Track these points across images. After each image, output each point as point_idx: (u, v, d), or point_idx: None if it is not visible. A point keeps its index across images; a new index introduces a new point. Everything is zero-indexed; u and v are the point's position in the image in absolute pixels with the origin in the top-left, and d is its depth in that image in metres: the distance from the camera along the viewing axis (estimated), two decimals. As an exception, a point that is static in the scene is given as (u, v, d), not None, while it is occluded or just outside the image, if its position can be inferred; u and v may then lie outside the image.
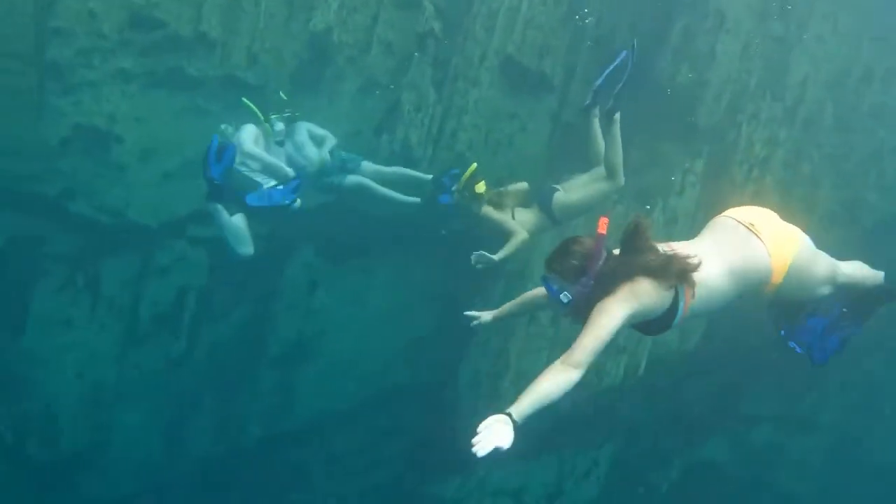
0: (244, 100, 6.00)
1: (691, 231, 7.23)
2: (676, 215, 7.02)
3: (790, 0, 7.03)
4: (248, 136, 5.89)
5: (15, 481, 6.76)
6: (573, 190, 6.08)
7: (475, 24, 7.03)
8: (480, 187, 5.96)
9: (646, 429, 7.78)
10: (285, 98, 6.19)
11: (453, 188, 5.99)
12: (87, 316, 6.73)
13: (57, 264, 6.51)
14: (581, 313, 2.63)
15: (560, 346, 6.95)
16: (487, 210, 5.94)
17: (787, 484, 8.19)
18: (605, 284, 2.55)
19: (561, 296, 2.62)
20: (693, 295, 2.64)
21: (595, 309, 2.53)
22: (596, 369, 7.04)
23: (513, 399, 6.82)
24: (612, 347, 7.11)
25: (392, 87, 7.00)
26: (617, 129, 5.59)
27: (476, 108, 7.10)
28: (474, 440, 2.30)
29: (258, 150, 5.91)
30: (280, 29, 6.50)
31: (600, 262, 2.56)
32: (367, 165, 6.57)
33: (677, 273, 2.56)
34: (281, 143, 6.15)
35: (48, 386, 6.64)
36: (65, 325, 6.61)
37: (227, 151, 5.67)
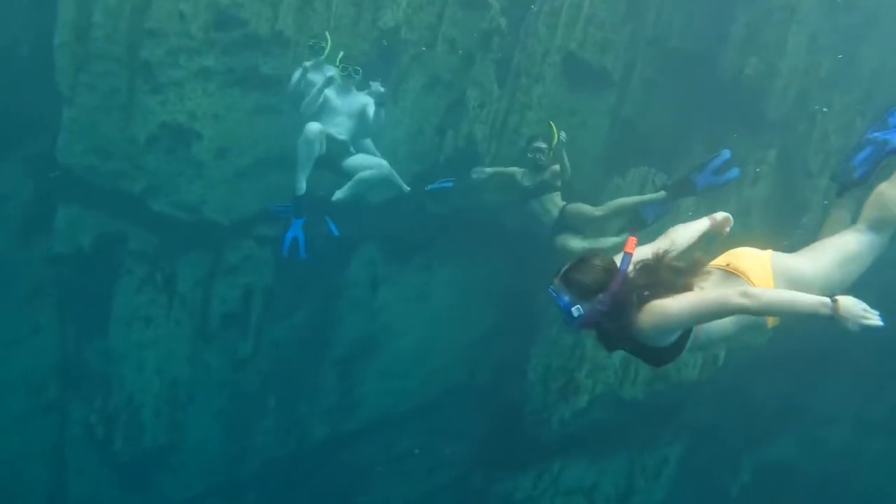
0: (322, 44, 6.00)
1: (765, 221, 7.19)
2: (750, 206, 6.97)
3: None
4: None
5: (105, 479, 6.87)
6: None
7: (538, 21, 7.17)
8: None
9: (714, 427, 7.60)
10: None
11: (547, 150, 6.23)
12: (165, 314, 6.89)
13: (137, 262, 6.70)
14: (589, 329, 2.62)
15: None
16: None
17: (864, 487, 7.87)
18: (622, 306, 2.50)
19: (573, 309, 2.54)
20: (698, 329, 2.63)
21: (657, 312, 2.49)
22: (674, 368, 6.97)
23: (592, 390, 6.74)
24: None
25: (455, 84, 7.14)
26: None
27: (539, 103, 7.19)
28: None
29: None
30: (349, 29, 6.70)
31: (619, 282, 2.48)
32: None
33: None
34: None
35: (131, 382, 6.79)
36: (145, 322, 6.77)
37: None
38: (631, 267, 2.53)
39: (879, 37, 7.27)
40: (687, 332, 2.61)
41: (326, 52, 5.95)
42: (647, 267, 2.58)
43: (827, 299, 2.35)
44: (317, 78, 5.91)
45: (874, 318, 2.32)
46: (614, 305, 2.49)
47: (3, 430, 6.68)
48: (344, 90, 6.01)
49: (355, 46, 6.78)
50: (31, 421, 6.77)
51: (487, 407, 7.91)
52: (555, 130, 6.38)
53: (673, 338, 2.57)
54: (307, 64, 5.87)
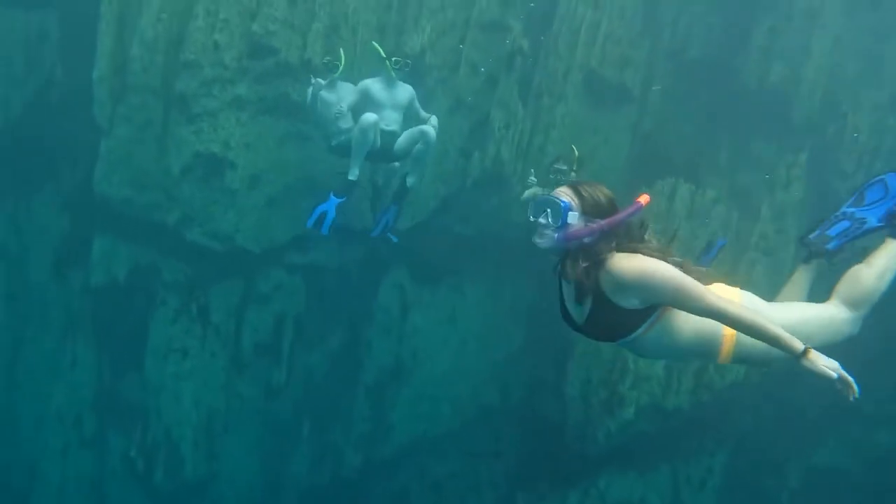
0: (373, 43, 6.05)
1: (800, 223, 7.17)
2: (784, 209, 6.96)
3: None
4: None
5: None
6: None
7: (557, 41, 7.30)
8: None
9: (757, 433, 7.46)
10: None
11: (567, 172, 6.16)
12: (200, 345, 6.88)
13: (172, 294, 6.73)
14: (560, 252, 2.47)
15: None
16: None
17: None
18: (608, 238, 2.42)
19: (570, 213, 2.42)
20: (661, 317, 2.49)
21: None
22: (718, 366, 6.88)
23: (637, 401, 6.62)
24: None
25: (479, 106, 7.25)
26: None
27: (563, 122, 7.28)
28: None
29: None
30: (374, 54, 6.83)
31: (619, 221, 2.40)
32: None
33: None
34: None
35: (169, 414, 6.75)
36: (181, 353, 6.76)
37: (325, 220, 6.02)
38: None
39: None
40: (650, 311, 2.46)
41: (341, 69, 5.93)
42: (645, 230, 2.53)
43: (800, 344, 2.33)
44: (332, 97, 5.92)
45: (844, 381, 2.33)
46: (602, 236, 2.41)
47: (43, 465, 6.64)
48: (390, 83, 5.94)
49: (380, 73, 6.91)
50: (71, 455, 6.73)
51: (523, 426, 7.80)
52: (576, 154, 6.36)
53: (635, 302, 2.42)
54: (320, 81, 5.86)
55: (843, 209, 3.14)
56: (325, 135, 6.08)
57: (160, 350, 6.71)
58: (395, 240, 6.57)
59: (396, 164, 6.43)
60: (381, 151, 5.93)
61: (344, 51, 6.27)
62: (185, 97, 5.96)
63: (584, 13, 7.30)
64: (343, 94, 5.96)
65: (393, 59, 5.87)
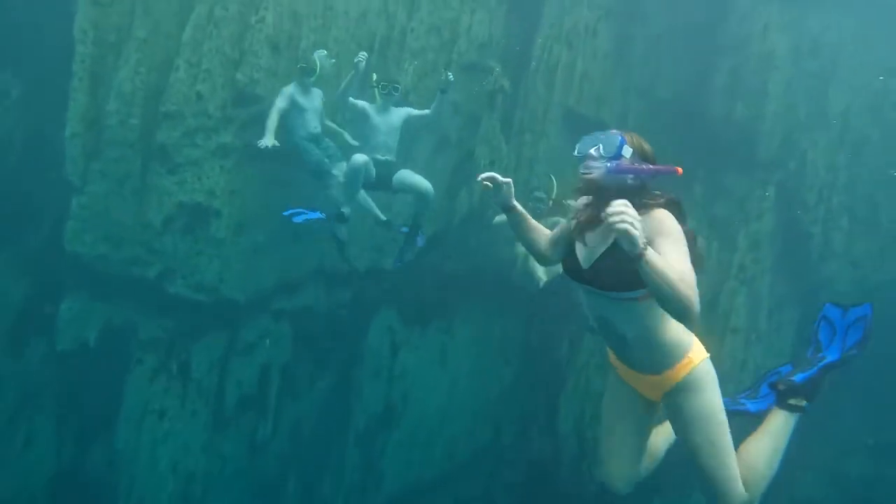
0: (314, 56, 5.90)
1: (773, 253, 7.47)
2: (759, 239, 7.23)
3: (821, 38, 7.61)
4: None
5: None
6: None
7: (536, 80, 7.43)
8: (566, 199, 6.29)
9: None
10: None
11: (546, 200, 6.31)
12: (179, 404, 6.50)
13: (149, 352, 6.35)
14: (603, 187, 2.62)
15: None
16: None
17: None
18: (653, 179, 2.70)
19: (625, 148, 2.66)
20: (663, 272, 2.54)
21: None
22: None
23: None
24: (719, 375, 7.16)
25: (462, 143, 7.28)
26: None
27: (545, 157, 7.38)
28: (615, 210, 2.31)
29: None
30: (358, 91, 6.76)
31: (660, 171, 2.64)
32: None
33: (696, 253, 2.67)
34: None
35: (142, 484, 6.29)
36: (158, 416, 6.36)
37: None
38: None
39: (841, 80, 7.84)
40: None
41: (317, 74, 5.84)
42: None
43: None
44: (307, 102, 5.83)
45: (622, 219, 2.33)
46: (649, 177, 2.67)
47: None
48: (382, 109, 5.90)
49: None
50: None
51: (516, 466, 7.72)
52: (554, 184, 6.52)
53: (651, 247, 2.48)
54: (289, 90, 5.74)
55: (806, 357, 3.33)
56: (295, 143, 5.92)
57: (135, 414, 6.29)
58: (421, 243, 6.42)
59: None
60: (377, 181, 5.86)
61: (329, 96, 6.19)
62: (165, 148, 5.71)
63: (559, 53, 7.48)
64: (315, 101, 5.93)
65: (381, 84, 5.84)
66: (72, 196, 5.75)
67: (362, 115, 5.81)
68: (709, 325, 7.04)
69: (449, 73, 5.71)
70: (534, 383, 7.83)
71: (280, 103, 5.68)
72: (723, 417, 2.77)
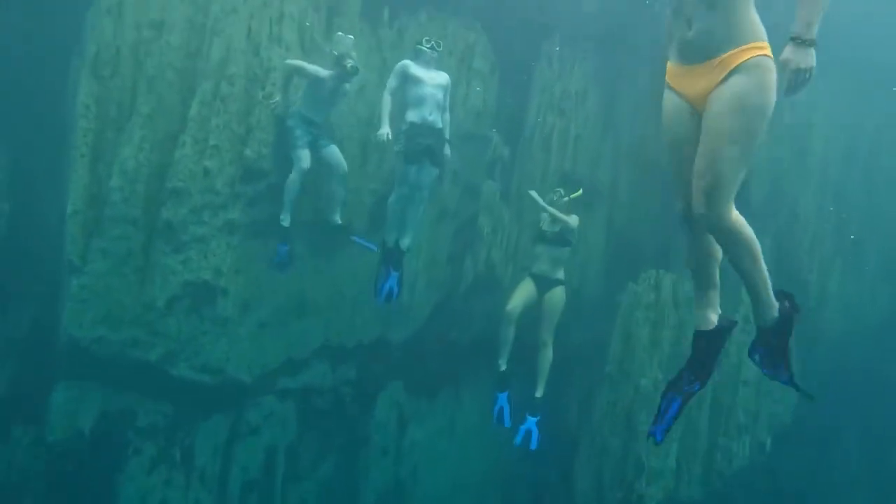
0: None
1: None
2: (761, 291, 7.32)
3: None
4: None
5: None
6: None
7: (532, 146, 7.60)
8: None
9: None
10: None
11: (563, 195, 6.58)
12: (182, 495, 6.11)
13: (148, 440, 5.99)
14: None
15: (687, 437, 6.82)
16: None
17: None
18: None
19: None
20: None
21: None
22: (723, 452, 6.90)
23: (655, 497, 6.52)
24: (733, 429, 7.08)
25: (462, 212, 7.32)
26: None
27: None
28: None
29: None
30: (357, 169, 6.77)
31: None
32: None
33: None
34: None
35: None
36: (158, 509, 5.94)
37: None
38: None
39: (820, 131, 8.25)
40: None
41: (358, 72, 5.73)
42: None
43: None
44: (329, 95, 5.77)
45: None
46: None
47: None
48: (426, 63, 5.87)
49: (365, 185, 6.85)
50: None
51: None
52: (580, 191, 6.72)
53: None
54: (326, 72, 5.64)
55: None
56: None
57: (134, 509, 5.87)
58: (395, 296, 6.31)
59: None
60: (424, 152, 5.76)
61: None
62: (171, 225, 5.56)
63: (553, 121, 7.68)
64: (337, 99, 5.93)
65: (424, 39, 5.91)
66: (71, 277, 5.50)
67: (413, 79, 5.76)
68: (722, 376, 7.03)
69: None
70: (545, 448, 7.62)
71: (310, 69, 5.61)
72: (765, 125, 2.45)
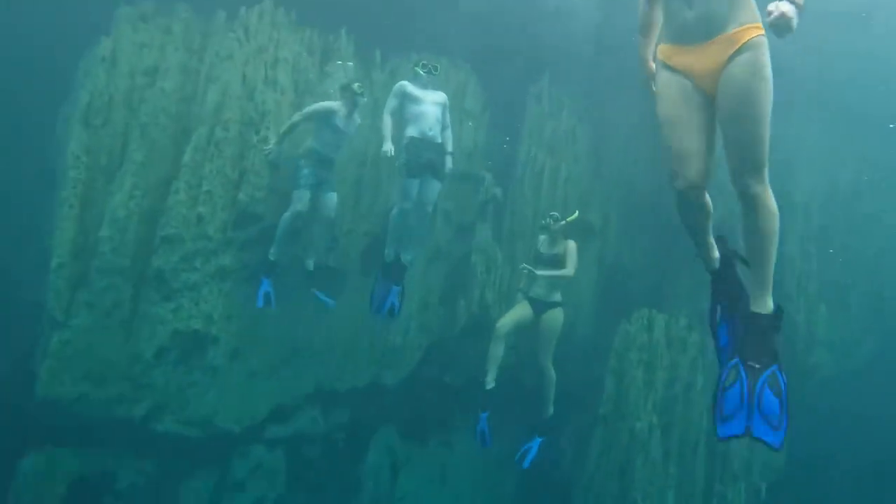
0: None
1: None
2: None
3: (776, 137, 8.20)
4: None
5: None
6: None
7: (523, 185, 7.60)
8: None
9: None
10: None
11: (559, 219, 6.38)
12: (163, 560, 5.78)
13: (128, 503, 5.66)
14: None
15: (684, 484, 6.76)
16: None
17: None
18: None
19: None
20: None
21: None
22: (719, 499, 6.85)
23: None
24: (728, 475, 7.05)
25: (454, 253, 7.26)
26: None
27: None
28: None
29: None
30: (351, 209, 6.69)
31: None
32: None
33: None
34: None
35: None
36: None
37: None
38: None
39: (802, 172, 8.44)
40: None
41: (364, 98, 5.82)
42: None
43: None
44: (343, 126, 5.78)
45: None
46: None
47: None
48: (423, 85, 5.92)
49: (357, 227, 6.76)
50: None
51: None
52: (576, 214, 6.63)
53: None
54: (333, 105, 5.67)
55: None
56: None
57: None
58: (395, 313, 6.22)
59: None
60: (427, 166, 5.81)
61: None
62: (162, 273, 5.36)
63: (543, 160, 7.72)
64: (350, 129, 5.92)
65: (421, 62, 5.94)
66: (52, 333, 5.24)
67: (411, 97, 5.82)
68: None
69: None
70: (536, 493, 7.50)
71: (318, 106, 5.64)
72: (770, 98, 2.55)
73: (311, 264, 6.00)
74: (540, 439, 6.33)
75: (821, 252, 8.20)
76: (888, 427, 7.92)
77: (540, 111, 7.94)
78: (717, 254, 2.91)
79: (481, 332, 7.18)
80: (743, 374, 2.56)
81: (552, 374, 6.39)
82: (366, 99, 5.83)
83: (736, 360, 2.60)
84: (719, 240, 2.96)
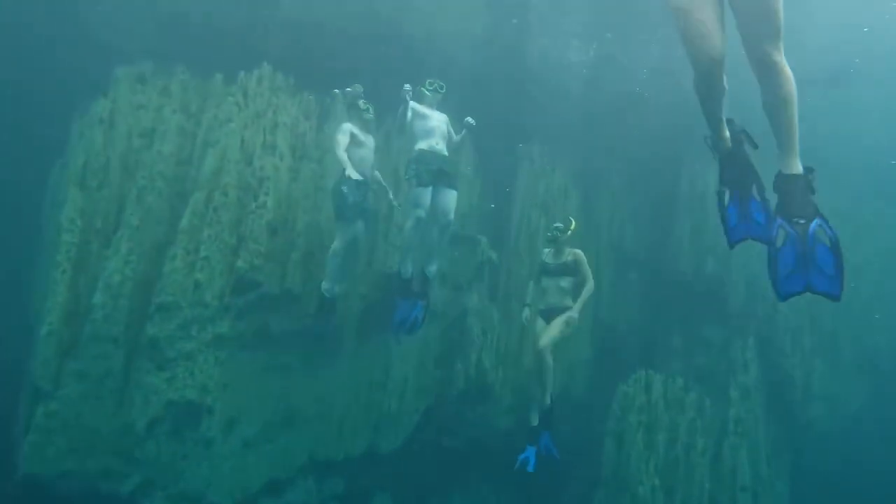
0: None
1: (766, 403, 7.60)
2: (749, 389, 7.40)
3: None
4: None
5: None
6: None
7: (518, 246, 7.64)
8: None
9: None
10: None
11: (564, 230, 6.28)
12: None
13: None
14: None
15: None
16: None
17: None
18: None
19: None
20: None
21: None
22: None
23: None
24: None
25: (449, 314, 7.19)
26: None
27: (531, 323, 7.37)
28: None
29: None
30: (349, 273, 6.60)
31: None
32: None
33: None
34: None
35: None
36: None
37: None
38: None
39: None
40: None
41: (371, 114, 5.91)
42: None
43: None
44: (364, 139, 5.80)
45: None
46: None
47: None
48: (429, 104, 6.03)
49: (354, 290, 6.66)
50: None
51: None
52: (573, 224, 6.48)
53: None
54: (347, 125, 5.70)
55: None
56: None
57: None
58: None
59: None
60: (438, 176, 5.83)
61: (321, 277, 5.99)
62: (157, 342, 5.19)
63: (537, 220, 7.79)
64: (370, 143, 5.95)
65: (427, 81, 6.05)
66: (36, 405, 4.99)
67: (420, 115, 5.92)
68: (718, 482, 6.93)
69: (470, 119, 6.01)
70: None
71: (342, 138, 5.63)
72: None
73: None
74: (534, 448, 6.01)
75: (812, 304, 8.30)
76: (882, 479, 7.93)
77: (532, 170, 8.06)
78: (728, 134, 2.87)
79: (479, 397, 7.09)
80: (791, 230, 2.60)
81: (549, 360, 6.03)
82: (372, 115, 5.92)
83: (780, 220, 2.63)
84: (728, 122, 2.93)
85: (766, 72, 2.60)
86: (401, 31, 6.95)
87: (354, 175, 5.47)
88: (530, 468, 5.96)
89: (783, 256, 2.61)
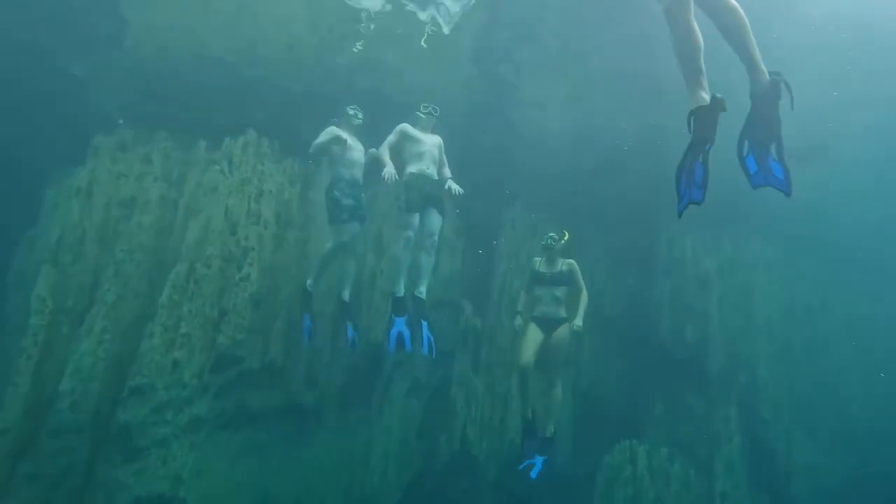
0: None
1: (751, 474, 7.54)
2: (733, 461, 7.37)
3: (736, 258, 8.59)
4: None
5: None
6: None
7: (500, 313, 7.53)
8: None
9: None
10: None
11: (558, 240, 6.26)
12: None
13: None
14: None
15: None
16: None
17: None
18: None
19: None
20: None
21: None
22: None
23: None
24: None
25: (432, 384, 6.99)
26: None
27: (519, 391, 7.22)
28: None
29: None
30: (329, 344, 6.36)
31: None
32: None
33: None
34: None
35: None
36: None
37: None
38: None
39: (761, 294, 8.76)
40: None
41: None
42: None
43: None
44: (353, 143, 5.90)
45: None
46: None
47: None
48: (423, 129, 6.11)
49: (337, 360, 6.41)
50: None
51: None
52: (566, 235, 6.47)
53: None
54: (333, 129, 5.81)
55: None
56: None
57: None
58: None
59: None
60: (428, 199, 5.95)
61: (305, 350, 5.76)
62: (128, 429, 4.80)
63: (519, 286, 7.70)
64: (359, 147, 6.03)
65: (422, 105, 6.14)
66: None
67: (411, 138, 6.02)
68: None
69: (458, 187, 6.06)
70: None
71: (323, 137, 5.75)
72: None
73: (346, 295, 5.99)
74: (543, 458, 5.95)
75: (790, 371, 8.42)
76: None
77: (514, 233, 8.04)
78: (707, 95, 2.99)
79: (464, 471, 6.84)
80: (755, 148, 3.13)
81: (560, 391, 6.12)
82: (361, 120, 6.00)
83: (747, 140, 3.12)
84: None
85: (713, 6, 3.00)
86: (383, 98, 6.92)
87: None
88: (533, 474, 5.87)
89: (749, 162, 3.17)
